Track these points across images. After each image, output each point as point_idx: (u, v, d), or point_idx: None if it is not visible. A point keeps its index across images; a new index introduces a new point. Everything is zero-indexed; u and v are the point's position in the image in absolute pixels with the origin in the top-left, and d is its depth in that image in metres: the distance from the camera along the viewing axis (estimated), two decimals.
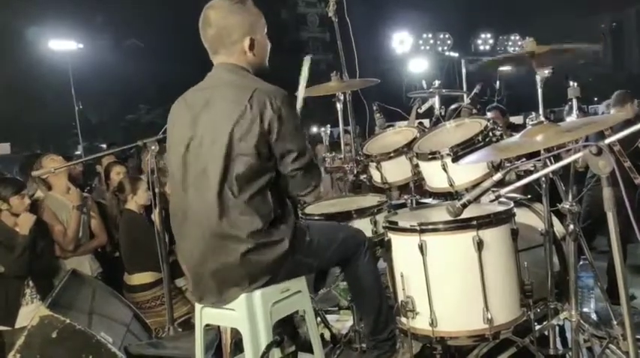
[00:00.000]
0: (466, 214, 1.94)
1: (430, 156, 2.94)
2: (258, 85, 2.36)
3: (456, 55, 15.39)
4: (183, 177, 2.42)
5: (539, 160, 2.61)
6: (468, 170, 2.88)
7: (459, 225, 2.47)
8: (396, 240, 2.69)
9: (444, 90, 3.95)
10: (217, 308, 2.45)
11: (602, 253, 5.02)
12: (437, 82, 3.88)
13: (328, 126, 3.97)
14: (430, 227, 2.55)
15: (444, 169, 2.88)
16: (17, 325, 3.71)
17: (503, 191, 1.93)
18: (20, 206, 3.82)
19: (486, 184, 1.90)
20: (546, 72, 2.75)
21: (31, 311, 3.69)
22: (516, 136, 2.44)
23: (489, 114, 5.64)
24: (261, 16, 2.50)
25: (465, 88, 14.03)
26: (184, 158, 2.41)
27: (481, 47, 15.46)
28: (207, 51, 2.51)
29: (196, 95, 2.48)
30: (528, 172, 2.68)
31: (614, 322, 2.74)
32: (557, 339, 2.95)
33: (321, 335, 3.10)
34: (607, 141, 1.79)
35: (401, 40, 14.37)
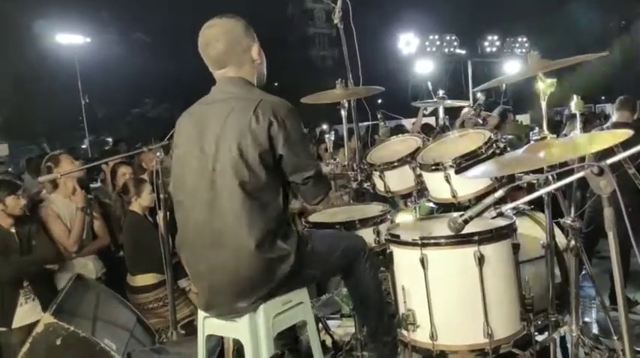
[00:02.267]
0: (467, 228, 1.95)
1: (433, 167, 2.94)
2: (263, 96, 2.37)
3: (463, 52, 15.23)
4: (192, 190, 2.42)
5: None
6: (471, 182, 2.88)
7: (460, 240, 2.48)
8: (398, 253, 2.70)
9: (448, 102, 3.93)
10: (220, 319, 2.47)
11: (603, 258, 5.02)
12: (441, 92, 3.86)
13: (332, 132, 3.96)
14: (432, 241, 2.56)
15: (447, 181, 2.88)
16: (14, 325, 3.73)
17: (504, 208, 1.93)
18: (15, 206, 3.81)
19: (488, 201, 1.90)
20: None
21: (26, 312, 3.74)
22: (519, 151, 2.45)
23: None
24: None
25: (471, 89, 13.95)
26: (192, 172, 2.42)
27: (488, 49, 15.26)
28: None
29: (202, 109, 2.49)
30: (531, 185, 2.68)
31: (615, 337, 2.74)
32: (558, 350, 2.95)
33: (323, 342, 3.11)
34: (609, 161, 1.79)
35: (407, 41, 14.22)
